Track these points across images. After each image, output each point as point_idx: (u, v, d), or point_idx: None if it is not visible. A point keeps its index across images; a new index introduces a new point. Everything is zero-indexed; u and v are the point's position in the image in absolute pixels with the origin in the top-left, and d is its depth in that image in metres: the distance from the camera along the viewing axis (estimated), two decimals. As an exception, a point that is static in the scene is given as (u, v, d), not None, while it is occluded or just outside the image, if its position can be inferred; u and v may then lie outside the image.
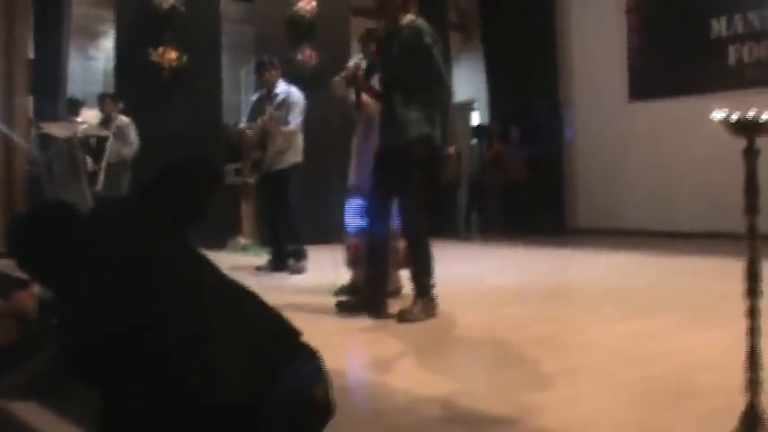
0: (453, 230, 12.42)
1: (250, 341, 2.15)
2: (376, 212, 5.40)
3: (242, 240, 10.56)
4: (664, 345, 4.30)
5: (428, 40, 5.19)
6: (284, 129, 7.87)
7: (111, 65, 10.96)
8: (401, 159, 5.20)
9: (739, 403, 2.45)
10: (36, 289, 2.64)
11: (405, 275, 5.78)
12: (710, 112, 2.40)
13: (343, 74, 6.07)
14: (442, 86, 5.26)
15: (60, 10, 10.00)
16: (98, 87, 11.70)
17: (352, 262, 6.19)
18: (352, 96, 6.00)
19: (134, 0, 10.37)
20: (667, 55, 11.36)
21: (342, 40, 11.42)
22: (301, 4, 11.27)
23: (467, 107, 15.25)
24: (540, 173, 12.46)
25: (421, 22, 5.28)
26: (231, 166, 11.00)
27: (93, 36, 12.25)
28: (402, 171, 5.21)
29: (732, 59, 10.71)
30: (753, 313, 2.42)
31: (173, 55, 10.30)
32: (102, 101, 10.01)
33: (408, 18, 5.30)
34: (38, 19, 9.43)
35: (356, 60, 6.33)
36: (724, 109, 2.37)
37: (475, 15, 14.23)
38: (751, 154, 2.38)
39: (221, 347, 2.04)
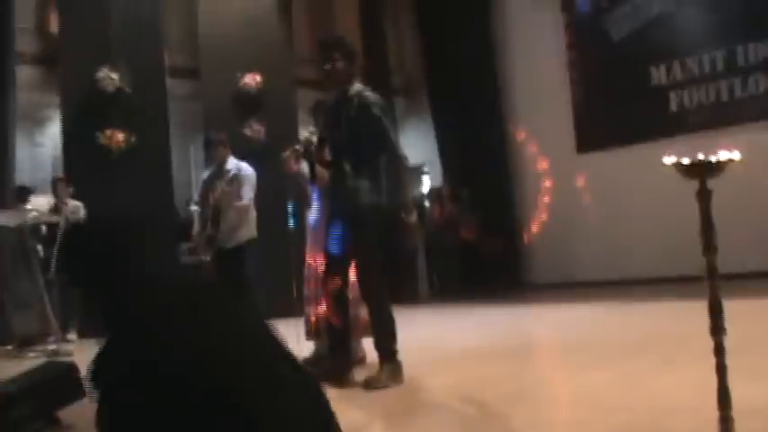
0: (414, 295, 12.38)
1: None
2: (333, 281, 5.37)
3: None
4: (634, 391, 4.30)
5: (377, 111, 5.22)
6: (237, 204, 7.83)
7: (58, 151, 10.86)
8: (355, 227, 5.20)
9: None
10: None
11: (367, 343, 5.74)
12: (657, 159, 2.45)
13: (296, 147, 6.10)
14: (394, 157, 5.28)
15: (5, 97, 9.94)
16: (47, 174, 11.59)
17: (314, 333, 6.13)
18: (305, 169, 6.02)
19: (79, 84, 10.34)
20: (611, 106, 11.58)
21: (289, 113, 11.47)
22: (247, 79, 11.32)
23: (416, 171, 15.34)
24: (494, 231, 12.51)
25: (369, 93, 5.31)
26: (184, 246, 10.91)
27: (38, 122, 12.17)
28: (356, 238, 5.21)
29: (674, 106, 10.97)
30: (719, 350, 2.44)
31: (120, 136, 10.25)
32: (54, 185, 9.89)
33: (356, 88, 5.33)
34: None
35: (307, 134, 6.36)
36: (672, 155, 2.42)
37: (420, 79, 14.41)
38: (704, 195, 2.43)
39: None
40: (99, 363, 2.07)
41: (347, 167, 5.26)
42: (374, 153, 5.22)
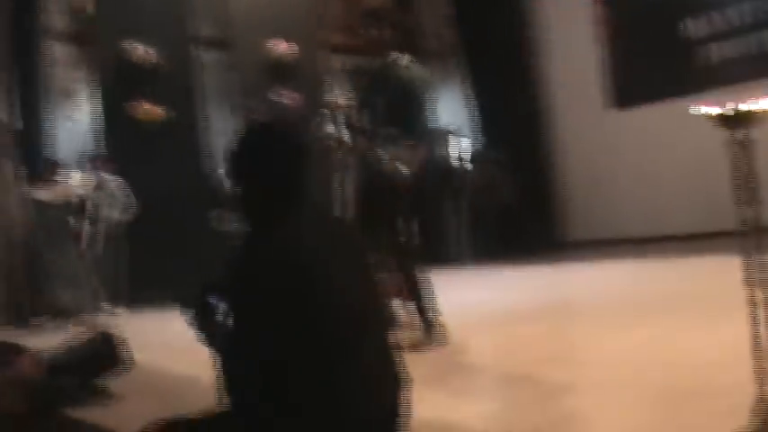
0: (455, 257, 12.39)
1: None
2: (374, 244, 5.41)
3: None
4: (674, 348, 4.30)
5: (418, 84, 5.26)
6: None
7: (93, 125, 10.90)
8: (387, 197, 5.24)
9: (750, 395, 2.46)
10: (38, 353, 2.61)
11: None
12: (690, 113, 2.43)
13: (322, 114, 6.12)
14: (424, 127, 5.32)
15: (35, 73, 10.01)
16: (80, 149, 11.64)
17: None
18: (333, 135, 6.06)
19: (112, 58, 10.39)
20: (642, 61, 11.43)
21: (321, 79, 11.45)
22: (279, 47, 11.32)
23: (450, 133, 15.27)
24: (530, 191, 12.45)
25: (411, 64, 5.34)
26: (216, 212, 10.94)
27: (72, 97, 12.23)
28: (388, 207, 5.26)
29: (703, 60, 10.81)
30: (753, 303, 2.44)
31: (156, 110, 10.31)
32: (94, 163, 9.93)
33: (398, 57, 5.35)
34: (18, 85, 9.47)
35: (344, 100, 6.35)
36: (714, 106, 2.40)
37: (452, 42, 14.29)
38: (746, 145, 2.40)
39: None
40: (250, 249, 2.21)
41: (381, 135, 5.29)
42: (412, 124, 5.25)
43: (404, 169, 5.24)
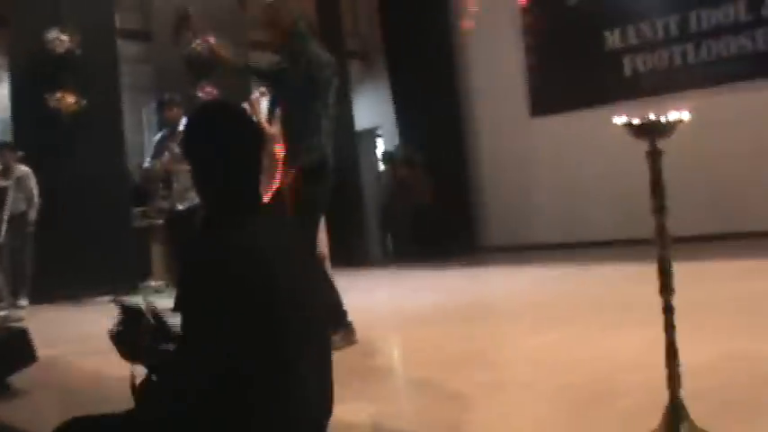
0: (368, 258, 12.41)
1: None
2: None
3: (153, 283, 10.36)
4: (584, 351, 4.36)
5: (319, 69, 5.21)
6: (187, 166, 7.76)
7: (7, 113, 10.63)
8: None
9: (663, 399, 2.50)
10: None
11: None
12: (611, 122, 2.47)
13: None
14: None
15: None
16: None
17: None
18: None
19: (28, 45, 10.13)
20: (565, 70, 11.61)
21: (242, 74, 11.33)
22: (199, 42, 11.17)
23: (371, 134, 15.33)
24: (448, 194, 12.53)
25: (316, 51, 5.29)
26: (137, 209, 10.83)
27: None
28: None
29: (628, 70, 11.04)
30: (667, 310, 2.48)
31: (71, 99, 10.08)
32: (2, 150, 9.66)
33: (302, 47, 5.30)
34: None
35: (257, 93, 6.30)
36: (623, 116, 2.44)
37: (375, 42, 14.32)
38: (654, 155, 2.45)
39: None
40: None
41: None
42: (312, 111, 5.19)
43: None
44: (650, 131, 2.43)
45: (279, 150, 5.57)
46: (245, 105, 6.03)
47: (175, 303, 2.15)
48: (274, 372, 2.03)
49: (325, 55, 5.27)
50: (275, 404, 2.04)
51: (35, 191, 9.43)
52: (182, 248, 8.06)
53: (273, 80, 5.55)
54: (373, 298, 7.28)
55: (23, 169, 9.44)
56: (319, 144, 5.14)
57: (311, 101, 5.15)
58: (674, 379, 2.48)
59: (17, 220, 9.29)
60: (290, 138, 5.28)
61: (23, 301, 9.08)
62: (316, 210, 5.22)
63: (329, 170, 5.20)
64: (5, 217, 9.24)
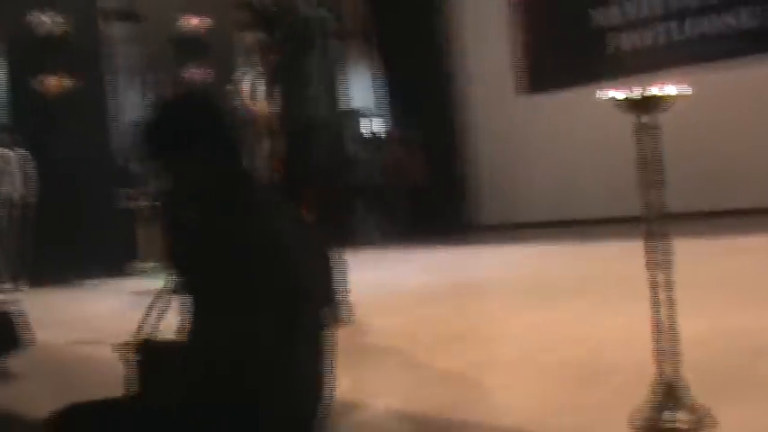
0: (359, 237, 12.39)
1: None
2: None
3: (144, 264, 10.34)
4: (578, 329, 4.38)
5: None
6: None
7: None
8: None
9: (651, 374, 2.52)
10: None
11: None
12: (602, 99, 2.47)
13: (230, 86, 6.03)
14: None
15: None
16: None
17: None
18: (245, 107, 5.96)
19: (15, 27, 10.07)
20: (553, 48, 11.60)
21: (231, 56, 11.30)
22: (193, 22, 11.15)
23: (360, 114, 15.27)
24: (440, 173, 12.52)
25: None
26: (124, 191, 10.78)
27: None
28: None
29: (613, 48, 11.05)
30: (654, 286, 2.50)
31: (57, 81, 10.03)
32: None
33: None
34: None
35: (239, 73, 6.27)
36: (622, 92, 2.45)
37: (364, 21, 14.25)
38: (641, 130, 2.46)
39: None
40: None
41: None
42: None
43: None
44: (647, 106, 2.43)
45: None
46: (230, 87, 6.03)
47: (180, 286, 2.17)
48: (282, 349, 2.05)
49: (314, 11, 5.26)
50: (281, 384, 2.06)
51: (31, 175, 9.40)
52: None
53: (266, 23, 5.51)
54: (364, 277, 7.25)
55: (19, 152, 9.39)
56: (308, 97, 5.13)
57: (302, 56, 5.14)
58: (661, 354, 2.50)
59: (12, 205, 9.27)
60: (282, 94, 5.26)
61: (21, 286, 9.04)
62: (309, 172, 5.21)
63: (320, 128, 5.20)
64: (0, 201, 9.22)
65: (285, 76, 5.25)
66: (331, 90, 5.36)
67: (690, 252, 6.64)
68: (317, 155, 5.18)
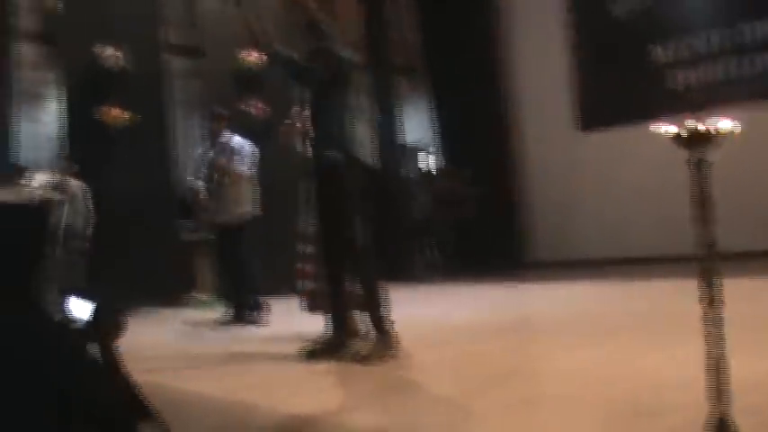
0: (412, 273, 12.38)
1: None
2: (332, 252, 5.41)
3: (199, 296, 10.45)
4: (627, 366, 4.33)
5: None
6: (235, 173, 7.83)
7: (59, 129, 10.79)
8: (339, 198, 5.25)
9: (705, 415, 2.48)
10: None
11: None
12: (657, 136, 2.46)
13: (288, 121, 6.10)
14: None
15: (4, 73, 9.91)
16: (47, 152, 11.51)
17: (310, 308, 6.18)
18: (299, 143, 6.05)
19: (79, 60, 10.31)
20: (611, 84, 11.56)
21: (289, 90, 11.41)
22: (248, 57, 11.31)
23: (415, 149, 15.33)
24: (493, 208, 12.49)
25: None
26: (185, 222, 10.94)
27: (39, 100, 12.10)
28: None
29: (674, 84, 10.98)
30: (709, 323, 2.46)
31: (120, 113, 10.24)
32: (58, 165, 9.77)
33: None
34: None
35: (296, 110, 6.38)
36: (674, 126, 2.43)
37: (420, 56, 14.33)
38: (696, 164, 2.44)
39: None
40: None
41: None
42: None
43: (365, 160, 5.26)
44: (699, 141, 2.42)
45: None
46: (288, 122, 6.11)
47: None
48: None
49: (348, 53, 5.36)
50: None
51: (90, 206, 9.56)
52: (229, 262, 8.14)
53: (300, 72, 5.61)
54: (416, 312, 7.27)
55: (80, 185, 9.57)
56: (343, 138, 5.20)
57: (334, 96, 5.23)
58: (715, 392, 2.45)
59: (73, 236, 9.42)
60: (316, 133, 5.35)
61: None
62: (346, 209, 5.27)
63: (357, 167, 5.26)
64: (61, 232, 9.37)
65: (319, 116, 5.38)
66: (368, 127, 5.43)
67: (751, 291, 6.58)
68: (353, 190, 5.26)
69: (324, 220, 5.43)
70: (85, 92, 10.27)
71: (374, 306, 5.26)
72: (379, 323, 5.22)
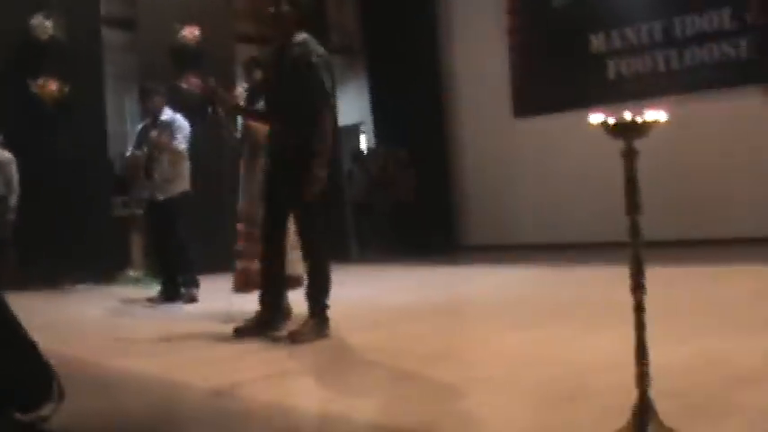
0: (345, 254, 12.38)
1: None
2: (270, 231, 5.38)
3: (132, 273, 10.34)
4: (559, 350, 4.40)
5: (316, 61, 5.19)
6: (170, 148, 7.73)
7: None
8: (298, 184, 5.15)
9: (633, 398, 2.53)
10: None
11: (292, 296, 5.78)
12: (591, 124, 2.50)
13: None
14: (324, 107, 5.23)
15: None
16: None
17: (239, 287, 6.19)
18: (232, 123, 6.04)
19: (11, 31, 10.07)
20: (549, 72, 11.67)
21: (227, 68, 11.32)
22: (185, 32, 11.15)
23: (353, 130, 15.33)
24: (429, 192, 12.55)
25: (311, 40, 5.30)
26: (118, 198, 10.80)
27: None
28: (299, 194, 5.17)
29: (611, 74, 11.12)
30: (638, 308, 2.52)
31: (54, 86, 10.03)
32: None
33: (301, 36, 5.30)
34: None
35: (240, 89, 6.35)
36: (601, 114, 2.48)
37: (359, 38, 14.31)
38: (629, 155, 2.49)
39: None
40: None
41: (285, 122, 5.25)
42: (312, 107, 5.17)
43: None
44: (625, 131, 2.46)
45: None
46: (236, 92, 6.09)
47: None
48: None
49: (320, 50, 5.30)
50: None
51: (16, 177, 9.40)
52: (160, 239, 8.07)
53: (263, 113, 5.64)
54: (348, 293, 7.25)
55: (5, 155, 9.41)
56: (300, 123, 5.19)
57: (312, 100, 5.17)
58: (644, 378, 2.51)
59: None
60: (297, 145, 5.24)
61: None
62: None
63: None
64: None
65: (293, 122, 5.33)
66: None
67: (678, 279, 6.73)
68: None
69: (269, 199, 5.39)
70: (18, 63, 10.04)
71: (320, 289, 5.24)
72: (316, 304, 5.21)
